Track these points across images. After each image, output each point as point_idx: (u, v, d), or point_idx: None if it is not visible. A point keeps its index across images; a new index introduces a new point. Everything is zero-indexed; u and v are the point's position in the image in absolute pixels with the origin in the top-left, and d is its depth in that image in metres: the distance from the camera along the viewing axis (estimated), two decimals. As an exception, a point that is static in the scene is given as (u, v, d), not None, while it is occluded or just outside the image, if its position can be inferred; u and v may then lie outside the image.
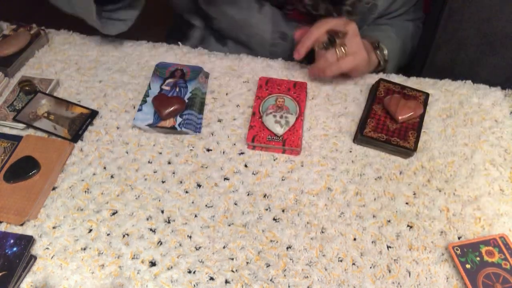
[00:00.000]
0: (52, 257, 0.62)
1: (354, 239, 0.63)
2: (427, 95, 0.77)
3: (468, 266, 0.59)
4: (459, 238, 0.63)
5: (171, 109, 0.74)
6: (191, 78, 0.80)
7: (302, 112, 0.75)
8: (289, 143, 0.71)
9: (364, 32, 0.87)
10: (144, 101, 0.77)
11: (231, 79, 0.84)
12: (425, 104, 0.76)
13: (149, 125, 0.74)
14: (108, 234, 0.64)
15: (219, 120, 0.77)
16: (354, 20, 0.78)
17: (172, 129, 0.74)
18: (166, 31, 1.13)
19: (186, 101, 0.77)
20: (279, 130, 0.71)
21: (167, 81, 0.79)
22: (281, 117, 0.73)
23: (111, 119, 0.78)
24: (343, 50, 0.75)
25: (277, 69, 0.85)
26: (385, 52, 0.83)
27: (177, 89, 0.78)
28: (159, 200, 0.68)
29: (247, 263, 0.61)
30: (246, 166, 0.71)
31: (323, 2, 0.80)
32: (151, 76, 0.81)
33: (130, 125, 0.77)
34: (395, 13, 0.92)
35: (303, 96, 0.77)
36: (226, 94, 0.81)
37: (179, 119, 0.74)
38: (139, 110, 0.76)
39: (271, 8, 0.86)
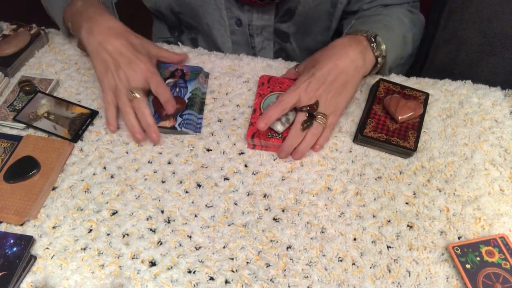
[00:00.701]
0: (52, 257, 0.62)
1: (354, 239, 0.64)
2: (427, 95, 0.77)
3: (468, 266, 0.59)
4: (459, 238, 0.63)
5: None
6: (191, 78, 0.80)
7: None
8: None
9: (359, 25, 0.84)
10: None
11: (231, 79, 0.84)
12: (425, 104, 0.76)
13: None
14: (108, 234, 0.64)
15: (219, 120, 0.77)
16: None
17: (172, 129, 0.74)
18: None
19: (186, 101, 0.76)
20: (279, 128, 0.71)
21: (167, 81, 0.79)
22: None
23: (111, 119, 0.78)
24: (325, 120, 0.70)
25: (277, 69, 0.85)
26: (383, 47, 0.77)
27: (177, 89, 0.78)
28: (159, 200, 0.68)
29: (247, 263, 0.61)
30: (246, 166, 0.71)
31: None
32: None
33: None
34: None
35: None
36: (226, 94, 0.81)
37: (179, 119, 0.74)
38: None
39: None
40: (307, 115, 0.70)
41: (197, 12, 0.90)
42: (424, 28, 0.96)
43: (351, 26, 0.87)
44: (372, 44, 0.76)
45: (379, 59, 0.78)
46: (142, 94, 0.72)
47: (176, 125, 0.74)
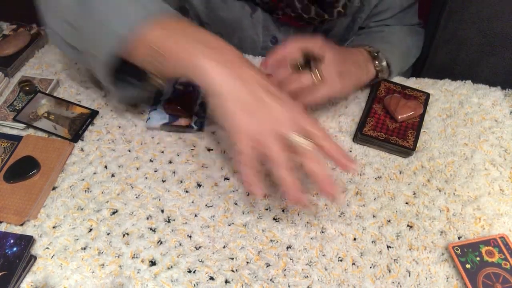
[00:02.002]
0: (52, 257, 0.62)
1: (354, 239, 0.64)
2: (428, 95, 0.77)
3: (468, 266, 0.59)
4: (459, 238, 0.63)
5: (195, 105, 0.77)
6: None
7: None
8: None
9: (361, 40, 0.86)
10: (158, 101, 0.77)
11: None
12: (425, 104, 0.76)
13: (165, 124, 0.74)
14: (108, 234, 0.64)
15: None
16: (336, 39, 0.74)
17: (188, 128, 0.74)
18: None
19: (200, 100, 0.77)
20: None
21: (180, 80, 0.80)
22: None
23: (112, 119, 0.78)
24: (319, 76, 0.66)
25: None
26: (384, 63, 0.79)
27: (191, 88, 0.79)
28: (159, 200, 0.68)
29: (247, 262, 0.61)
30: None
31: (313, 5, 0.78)
32: None
33: (132, 124, 0.77)
34: (385, 15, 0.90)
35: None
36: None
37: (194, 118, 0.75)
38: (153, 110, 0.76)
39: (263, 13, 0.86)
40: (305, 59, 0.67)
41: (230, 27, 0.89)
42: (424, 28, 0.96)
43: (352, 40, 0.89)
44: (374, 60, 0.78)
45: (380, 74, 0.79)
46: (312, 146, 0.55)
47: (192, 124, 0.74)
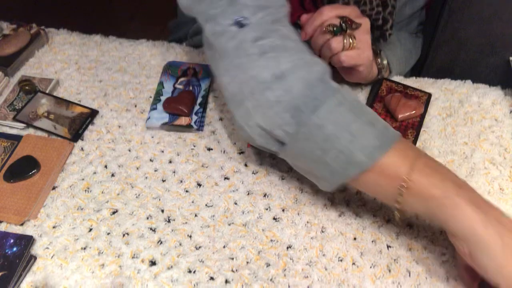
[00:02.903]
0: (52, 257, 0.62)
1: (354, 239, 0.63)
2: (429, 95, 0.77)
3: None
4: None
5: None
6: (204, 76, 0.81)
7: None
8: None
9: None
10: (158, 100, 0.77)
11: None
12: (426, 104, 0.76)
13: (165, 124, 0.74)
14: (108, 233, 0.64)
15: (221, 119, 0.77)
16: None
17: (188, 128, 0.74)
18: (169, 26, 1.10)
19: (200, 99, 0.77)
20: None
21: (180, 79, 0.80)
22: None
23: (112, 118, 0.78)
24: (351, 41, 0.67)
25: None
26: (385, 62, 0.79)
27: (190, 87, 0.79)
28: (159, 199, 0.68)
29: (247, 262, 0.61)
30: (246, 165, 0.71)
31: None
32: (161, 75, 0.82)
33: (132, 124, 0.77)
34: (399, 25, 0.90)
35: None
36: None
37: (194, 117, 0.75)
38: (153, 109, 0.76)
39: None
40: (341, 24, 0.67)
41: None
42: (424, 28, 0.96)
43: None
44: (376, 57, 0.78)
45: (380, 73, 0.79)
46: None
47: (192, 123, 0.74)
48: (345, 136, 0.53)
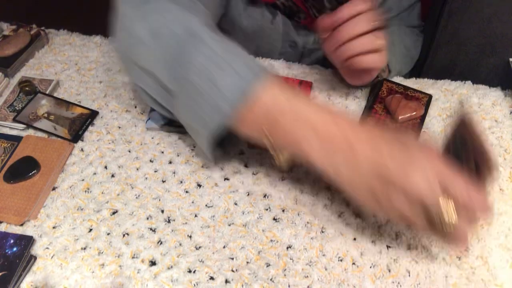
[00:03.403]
0: (52, 257, 0.62)
1: (354, 239, 0.63)
2: (430, 96, 0.77)
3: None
4: (459, 237, 0.63)
5: None
6: None
7: None
8: None
9: None
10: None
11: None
12: (427, 105, 0.76)
13: (165, 125, 0.74)
14: (108, 234, 0.64)
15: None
16: None
17: None
18: None
19: None
20: None
21: None
22: None
23: (112, 119, 0.78)
24: (381, 42, 0.64)
25: (279, 69, 0.85)
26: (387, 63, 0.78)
27: None
28: (159, 200, 0.68)
29: (247, 262, 0.61)
30: (246, 166, 0.71)
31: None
32: None
33: (132, 124, 0.77)
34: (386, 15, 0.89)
35: (307, 95, 0.77)
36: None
37: None
38: (153, 110, 0.76)
39: (283, 17, 0.85)
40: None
41: (250, 35, 0.88)
42: (424, 28, 0.96)
43: None
44: None
45: (382, 73, 0.79)
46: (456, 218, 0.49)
47: None
48: (210, 87, 0.54)
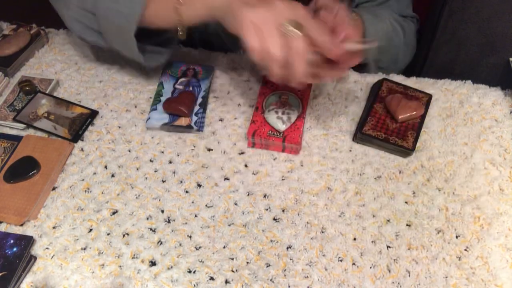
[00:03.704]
0: (52, 257, 0.62)
1: (354, 239, 0.64)
2: (430, 96, 0.77)
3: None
4: (457, 237, 0.63)
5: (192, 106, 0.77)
6: (204, 77, 0.81)
7: (305, 110, 0.75)
8: (289, 139, 0.71)
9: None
10: (158, 101, 0.77)
11: (232, 78, 0.84)
12: (427, 105, 0.76)
13: (165, 124, 0.74)
14: (108, 234, 0.64)
15: (221, 119, 0.77)
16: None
17: (188, 128, 0.74)
18: None
19: (200, 99, 0.77)
20: (280, 126, 0.71)
21: (180, 80, 0.80)
22: (283, 113, 0.73)
23: (112, 119, 0.78)
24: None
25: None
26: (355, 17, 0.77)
27: (190, 88, 0.79)
28: (159, 200, 0.68)
29: (247, 263, 0.61)
30: (246, 166, 0.71)
31: None
32: (161, 75, 0.82)
33: (132, 124, 0.77)
34: (374, 2, 0.88)
35: (307, 95, 0.77)
36: (228, 93, 0.81)
37: (194, 118, 0.75)
38: (154, 109, 0.76)
39: None
40: None
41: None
42: (424, 28, 0.96)
43: None
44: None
45: None
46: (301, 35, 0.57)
47: (192, 124, 0.74)
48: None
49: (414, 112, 0.74)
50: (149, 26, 0.70)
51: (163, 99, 0.77)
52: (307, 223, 0.65)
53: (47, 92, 0.80)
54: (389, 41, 0.85)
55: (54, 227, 0.65)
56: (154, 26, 0.70)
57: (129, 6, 0.67)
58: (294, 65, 0.58)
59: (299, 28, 0.57)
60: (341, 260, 0.62)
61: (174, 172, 0.71)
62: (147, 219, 0.66)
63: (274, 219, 0.66)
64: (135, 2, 0.67)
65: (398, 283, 0.59)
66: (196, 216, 0.66)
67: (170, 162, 0.72)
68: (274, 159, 0.72)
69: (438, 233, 0.64)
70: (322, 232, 0.64)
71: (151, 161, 0.72)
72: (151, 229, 0.65)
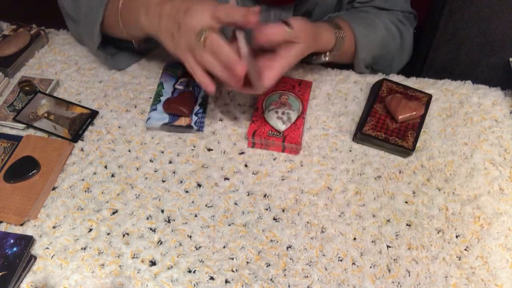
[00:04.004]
0: (52, 257, 0.62)
1: (354, 239, 0.64)
2: (430, 96, 0.77)
3: None
4: (457, 237, 0.63)
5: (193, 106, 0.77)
6: None
7: (304, 110, 0.75)
8: (289, 139, 0.71)
9: (341, 14, 0.84)
10: (158, 101, 0.77)
11: (231, 78, 0.84)
12: (427, 105, 0.76)
13: (165, 124, 0.74)
14: (108, 234, 0.64)
15: (221, 119, 0.77)
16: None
17: (188, 128, 0.74)
18: None
19: (200, 99, 0.77)
20: (281, 126, 0.71)
21: (180, 80, 0.80)
22: (283, 113, 0.73)
23: (112, 119, 0.78)
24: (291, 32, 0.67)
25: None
26: (343, 35, 0.75)
27: (190, 88, 0.79)
28: (159, 200, 0.68)
29: (247, 262, 0.61)
30: (246, 166, 0.71)
31: None
32: (161, 75, 0.82)
33: (132, 124, 0.77)
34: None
35: (307, 95, 0.77)
36: (228, 93, 0.81)
37: (194, 118, 0.75)
38: (153, 110, 0.76)
39: None
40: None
41: None
42: (424, 28, 0.96)
43: (335, 16, 0.85)
44: (336, 28, 0.75)
45: (338, 43, 0.76)
46: (211, 31, 0.59)
47: (192, 124, 0.74)
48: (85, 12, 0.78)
49: (414, 112, 0.74)
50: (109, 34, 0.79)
51: (163, 99, 0.77)
52: (307, 223, 0.65)
53: (47, 92, 0.80)
54: (384, 48, 0.85)
55: (54, 227, 0.65)
56: (111, 35, 0.79)
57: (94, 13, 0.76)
58: (229, 65, 0.59)
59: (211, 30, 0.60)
60: (341, 260, 0.62)
61: (174, 172, 0.71)
62: (147, 219, 0.66)
63: (274, 219, 0.66)
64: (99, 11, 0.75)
65: (398, 283, 0.59)
66: (196, 216, 0.66)
67: (170, 162, 0.72)
68: (274, 159, 0.72)
69: (438, 233, 0.64)
70: (322, 232, 0.64)
71: (151, 161, 0.72)
72: (151, 229, 0.65)
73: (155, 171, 0.71)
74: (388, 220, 0.65)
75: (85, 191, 0.69)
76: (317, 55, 0.76)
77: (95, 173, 0.71)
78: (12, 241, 0.62)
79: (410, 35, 0.90)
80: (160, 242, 0.63)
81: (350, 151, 0.73)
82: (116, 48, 0.85)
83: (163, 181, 0.70)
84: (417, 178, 0.70)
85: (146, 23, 0.68)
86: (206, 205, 0.67)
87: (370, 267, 0.61)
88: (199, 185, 0.69)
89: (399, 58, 0.91)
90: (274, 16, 0.88)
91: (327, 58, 0.77)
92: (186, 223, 0.65)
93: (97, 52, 0.82)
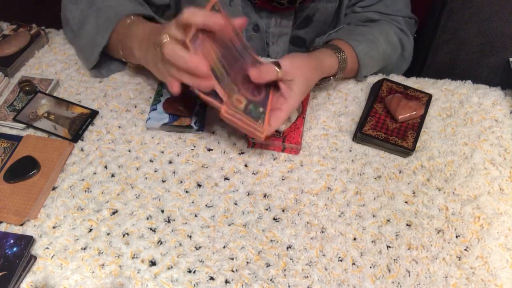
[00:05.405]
0: (52, 257, 0.62)
1: (354, 239, 0.64)
2: (430, 96, 0.77)
3: None
4: (457, 237, 0.63)
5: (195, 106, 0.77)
6: None
7: (305, 110, 0.75)
8: (289, 139, 0.71)
9: (339, 34, 0.84)
10: (158, 101, 0.77)
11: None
12: (427, 105, 0.76)
13: (165, 124, 0.74)
14: (108, 234, 0.64)
15: (221, 119, 0.77)
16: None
17: (188, 128, 0.74)
18: None
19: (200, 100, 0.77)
20: (281, 126, 0.71)
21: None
22: None
23: (112, 119, 0.78)
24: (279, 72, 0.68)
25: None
26: (345, 57, 0.76)
27: (190, 88, 0.79)
28: (159, 200, 0.68)
29: (247, 262, 0.61)
30: (246, 166, 0.71)
31: None
32: None
33: (132, 124, 0.77)
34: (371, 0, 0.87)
35: (307, 95, 0.77)
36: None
37: (194, 118, 0.75)
38: (153, 110, 0.76)
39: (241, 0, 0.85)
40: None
41: None
42: (424, 28, 0.96)
43: (335, 32, 0.86)
44: (336, 52, 0.76)
45: (341, 67, 0.77)
46: (168, 37, 0.59)
47: (192, 124, 0.74)
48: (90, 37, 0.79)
49: (414, 112, 0.74)
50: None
51: (163, 99, 0.77)
52: (307, 223, 0.65)
53: (47, 92, 0.80)
54: (386, 61, 0.86)
55: (54, 227, 0.65)
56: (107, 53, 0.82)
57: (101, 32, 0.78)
58: (189, 64, 0.59)
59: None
60: (341, 260, 0.62)
61: (174, 172, 0.71)
62: (147, 219, 0.66)
63: (274, 219, 0.66)
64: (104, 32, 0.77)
65: (398, 283, 0.59)
66: (196, 216, 0.66)
67: (170, 162, 0.72)
68: (274, 159, 0.72)
69: (438, 233, 0.64)
70: (322, 232, 0.64)
71: (151, 161, 0.72)
72: (151, 229, 0.65)
73: (155, 171, 0.71)
74: (388, 220, 0.65)
75: (85, 191, 0.69)
76: (322, 79, 0.77)
77: (95, 173, 0.71)
78: (12, 241, 0.62)
79: (411, 44, 0.91)
80: (160, 242, 0.63)
81: (350, 151, 0.73)
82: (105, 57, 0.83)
83: (163, 181, 0.70)
84: (417, 178, 0.70)
85: (138, 55, 0.72)
86: (206, 205, 0.67)
87: (370, 267, 0.61)
88: (199, 185, 0.69)
89: (399, 66, 0.92)
90: (275, 23, 0.88)
91: (331, 81, 0.79)
92: (186, 223, 0.65)
93: (84, 58, 0.84)
